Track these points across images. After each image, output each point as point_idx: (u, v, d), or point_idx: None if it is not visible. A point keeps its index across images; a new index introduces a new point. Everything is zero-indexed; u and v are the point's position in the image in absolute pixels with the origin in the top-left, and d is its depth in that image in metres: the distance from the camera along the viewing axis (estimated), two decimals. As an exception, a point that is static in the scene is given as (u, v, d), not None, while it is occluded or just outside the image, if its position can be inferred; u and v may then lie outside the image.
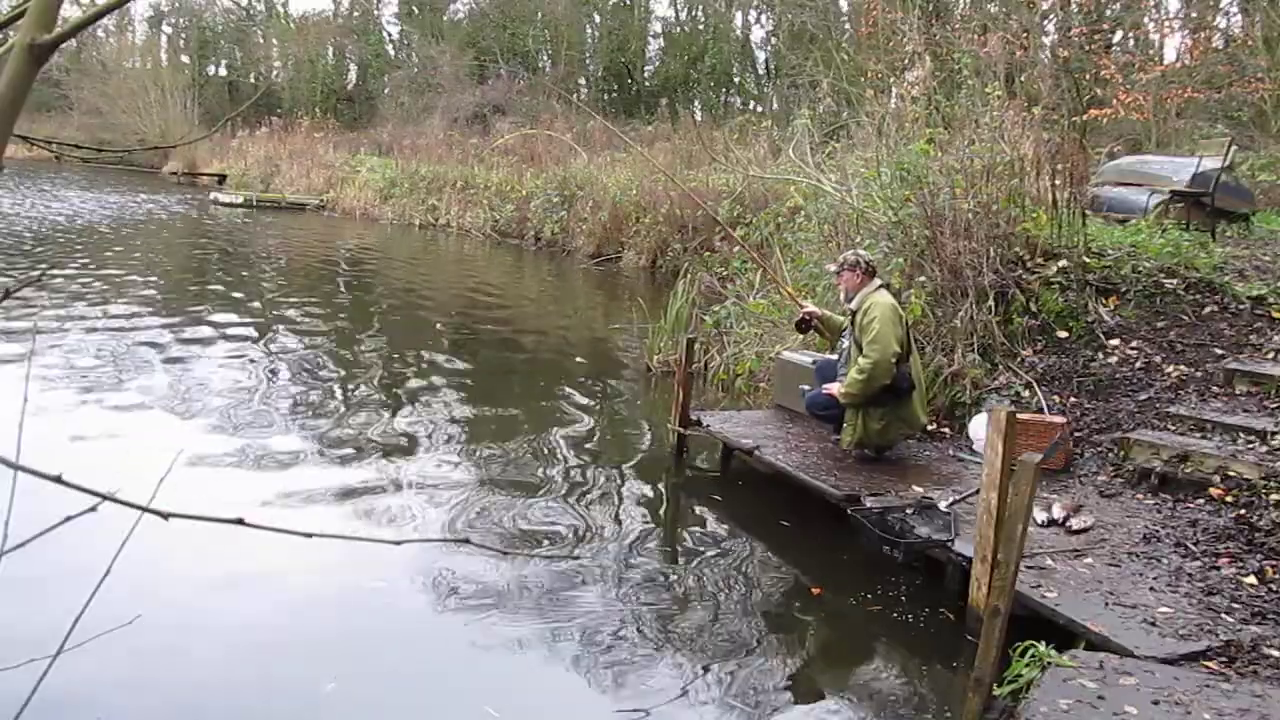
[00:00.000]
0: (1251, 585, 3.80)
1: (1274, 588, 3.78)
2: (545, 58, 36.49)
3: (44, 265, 12.52)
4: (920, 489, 4.88)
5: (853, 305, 5.39)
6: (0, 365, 7.26)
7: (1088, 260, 6.56)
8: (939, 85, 9.40)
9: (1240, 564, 3.99)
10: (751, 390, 7.45)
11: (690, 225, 14.08)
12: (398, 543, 1.06)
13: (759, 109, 27.69)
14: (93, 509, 0.88)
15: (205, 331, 9.25)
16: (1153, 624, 3.46)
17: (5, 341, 7.95)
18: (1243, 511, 4.40)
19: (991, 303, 6.27)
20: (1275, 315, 6.01)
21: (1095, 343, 6.14)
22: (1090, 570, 3.94)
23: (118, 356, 7.89)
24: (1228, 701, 2.92)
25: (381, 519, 4.89)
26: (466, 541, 4.76)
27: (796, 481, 5.17)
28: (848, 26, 21.86)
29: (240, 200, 24.89)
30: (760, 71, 33.17)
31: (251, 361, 8.15)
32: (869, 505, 4.66)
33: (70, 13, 1.01)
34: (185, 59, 43.33)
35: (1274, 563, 3.96)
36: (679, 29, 35.97)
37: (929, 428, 5.95)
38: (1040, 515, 4.44)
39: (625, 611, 4.00)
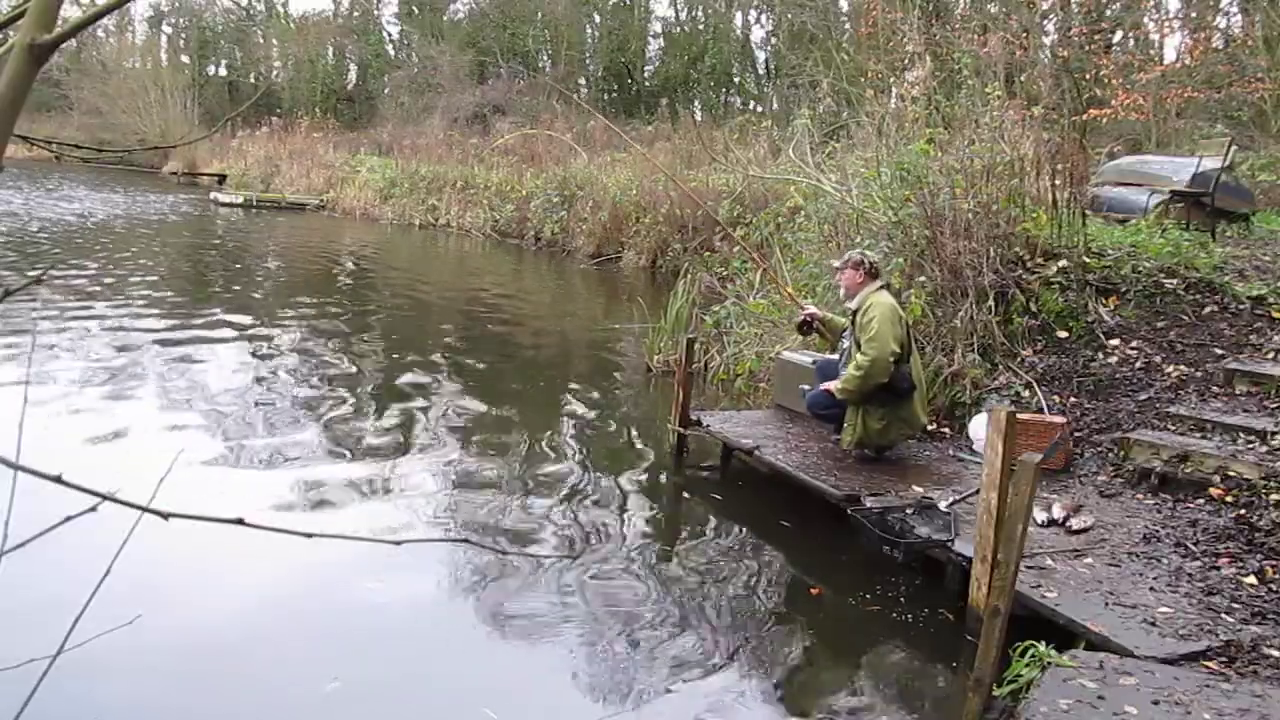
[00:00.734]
0: (1251, 585, 3.80)
1: (1274, 588, 3.78)
2: (545, 58, 36.49)
3: (44, 265, 12.52)
4: (920, 489, 4.88)
5: (853, 305, 5.41)
6: (0, 365, 7.26)
7: (1088, 260, 6.56)
8: (939, 85, 9.40)
9: (1240, 564, 3.99)
10: (751, 390, 7.44)
11: (690, 225, 14.09)
12: (398, 543, 1.06)
13: (759, 109, 27.70)
14: (93, 509, 0.88)
15: (205, 331, 9.25)
16: (1153, 624, 3.46)
17: (5, 341, 7.95)
18: (1243, 511, 4.40)
19: (991, 303, 6.27)
20: (1275, 315, 6.01)
21: (1095, 343, 6.14)
22: (1090, 570, 3.94)
23: (118, 356, 7.89)
24: (1228, 701, 2.92)
25: (381, 519, 4.89)
26: (466, 541, 4.77)
27: (796, 481, 5.17)
28: (848, 26, 21.87)
29: (240, 200, 24.90)
30: (760, 71, 33.18)
31: (251, 361, 8.15)
32: (869, 505, 4.66)
33: (70, 13, 1.01)
34: (185, 59, 43.35)
35: (1274, 563, 3.96)
36: (679, 29, 35.98)
37: (929, 428, 5.95)
38: (1040, 515, 4.44)
39: (624, 612, 4.00)
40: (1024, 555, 3.27)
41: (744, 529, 5.07)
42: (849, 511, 4.71)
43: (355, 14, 42.54)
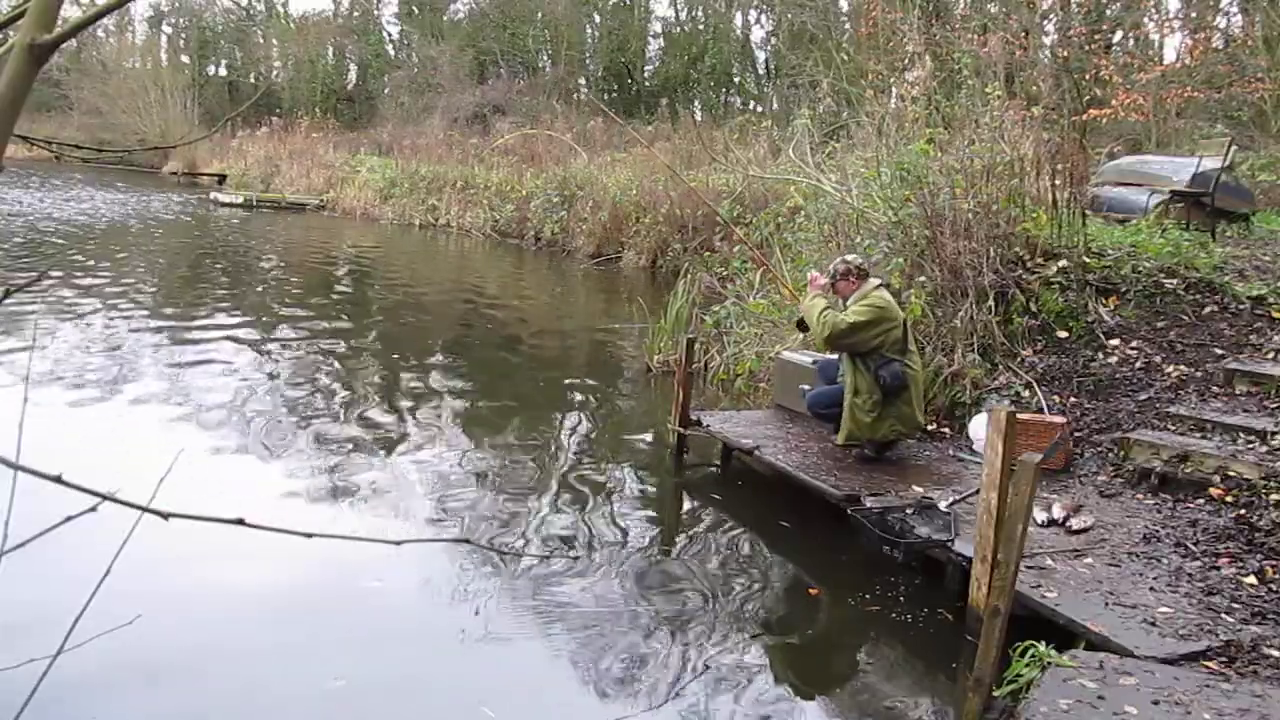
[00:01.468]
0: (1251, 585, 3.80)
1: (1274, 588, 3.78)
2: (545, 58, 36.48)
3: (44, 265, 12.52)
4: (920, 489, 4.88)
5: (849, 303, 5.43)
6: (0, 365, 7.26)
7: (1088, 260, 6.56)
8: (939, 85, 9.40)
9: (1240, 564, 3.99)
10: (751, 390, 7.44)
11: (690, 225, 14.09)
12: (398, 543, 1.06)
13: (759, 109, 27.70)
14: (93, 509, 0.88)
15: (205, 331, 9.25)
16: (1153, 624, 3.46)
17: (5, 341, 7.95)
18: (1243, 511, 4.40)
19: (991, 303, 6.27)
20: (1275, 315, 6.01)
21: (1095, 343, 6.14)
22: (1090, 570, 3.94)
23: (118, 356, 7.89)
24: (1228, 701, 2.92)
25: (381, 519, 4.89)
26: (466, 541, 4.77)
27: (796, 481, 5.17)
28: (848, 26, 21.87)
29: (240, 200, 24.89)
30: (760, 71, 33.18)
31: (252, 361, 8.15)
32: (869, 505, 4.66)
33: (70, 13, 1.01)
34: (185, 59, 43.31)
35: (1274, 563, 3.96)
36: (679, 29, 35.97)
37: (929, 427, 5.95)
38: (1040, 515, 4.44)
39: (624, 612, 4.00)
40: (1024, 555, 3.27)
41: (744, 529, 5.07)
42: (849, 511, 4.71)
43: (355, 14, 42.52)
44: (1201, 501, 4.63)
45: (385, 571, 4.18)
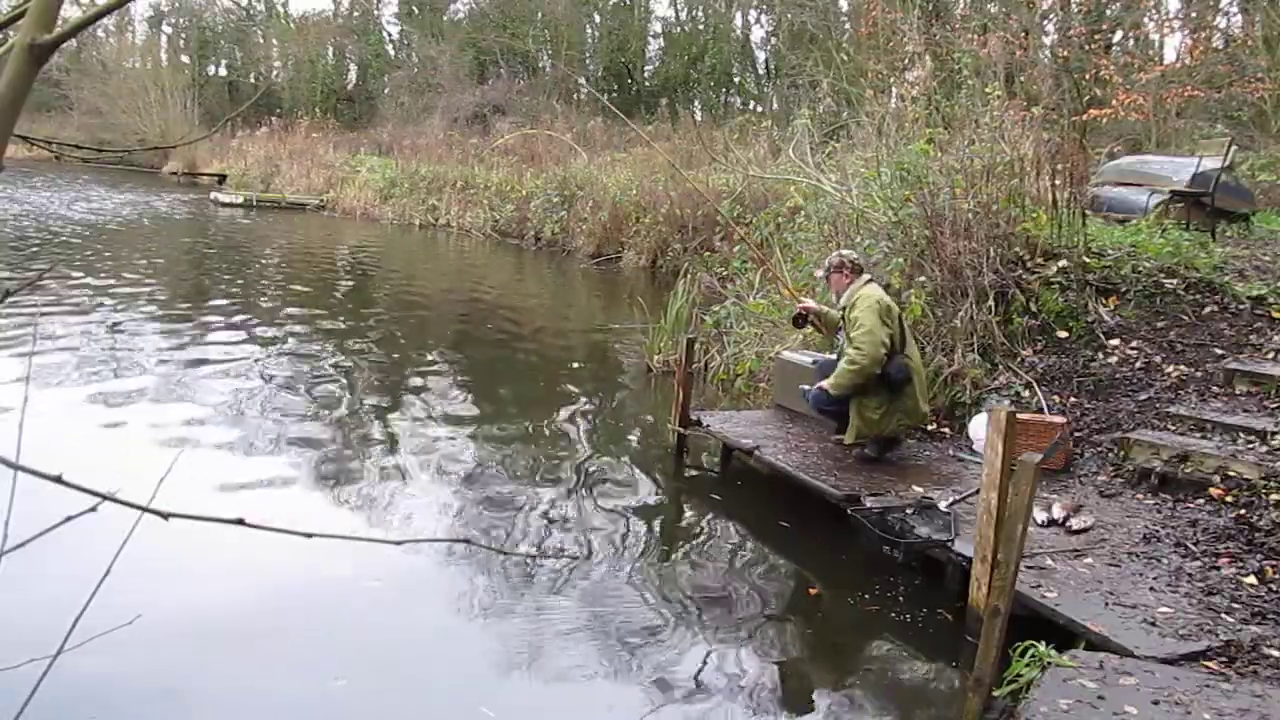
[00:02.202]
0: (1251, 585, 3.80)
1: (1274, 588, 3.78)
2: (545, 58, 36.48)
3: (44, 265, 12.51)
4: (920, 489, 4.88)
5: (841, 302, 5.45)
6: (0, 365, 7.26)
7: (1088, 260, 6.56)
8: (939, 85, 9.39)
9: (1240, 564, 3.99)
10: (751, 390, 7.44)
11: (690, 225, 14.09)
12: (398, 543, 1.06)
13: (759, 109, 27.69)
14: (93, 509, 0.88)
15: (206, 331, 9.25)
16: (1153, 624, 3.46)
17: (5, 341, 7.95)
18: (1243, 511, 4.40)
19: (991, 303, 6.27)
20: (1275, 315, 6.00)
21: (1095, 343, 6.14)
22: (1090, 570, 3.94)
23: (118, 356, 7.89)
24: (1228, 701, 2.92)
25: (381, 519, 4.89)
26: (466, 541, 4.77)
27: (796, 481, 5.17)
28: (848, 26, 21.87)
29: (240, 200, 24.89)
30: (760, 71, 33.16)
31: (252, 361, 8.15)
32: (869, 505, 4.66)
33: (70, 13, 1.01)
34: (185, 59, 43.32)
35: (1274, 563, 3.96)
36: (679, 29, 35.96)
37: (929, 427, 5.95)
38: (1040, 515, 4.44)
39: (623, 612, 4.00)
40: (1024, 555, 3.27)
41: (744, 529, 5.07)
42: (849, 511, 4.71)
43: (355, 14, 42.52)
44: (1201, 501, 4.63)
45: (385, 571, 4.18)
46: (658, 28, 36.73)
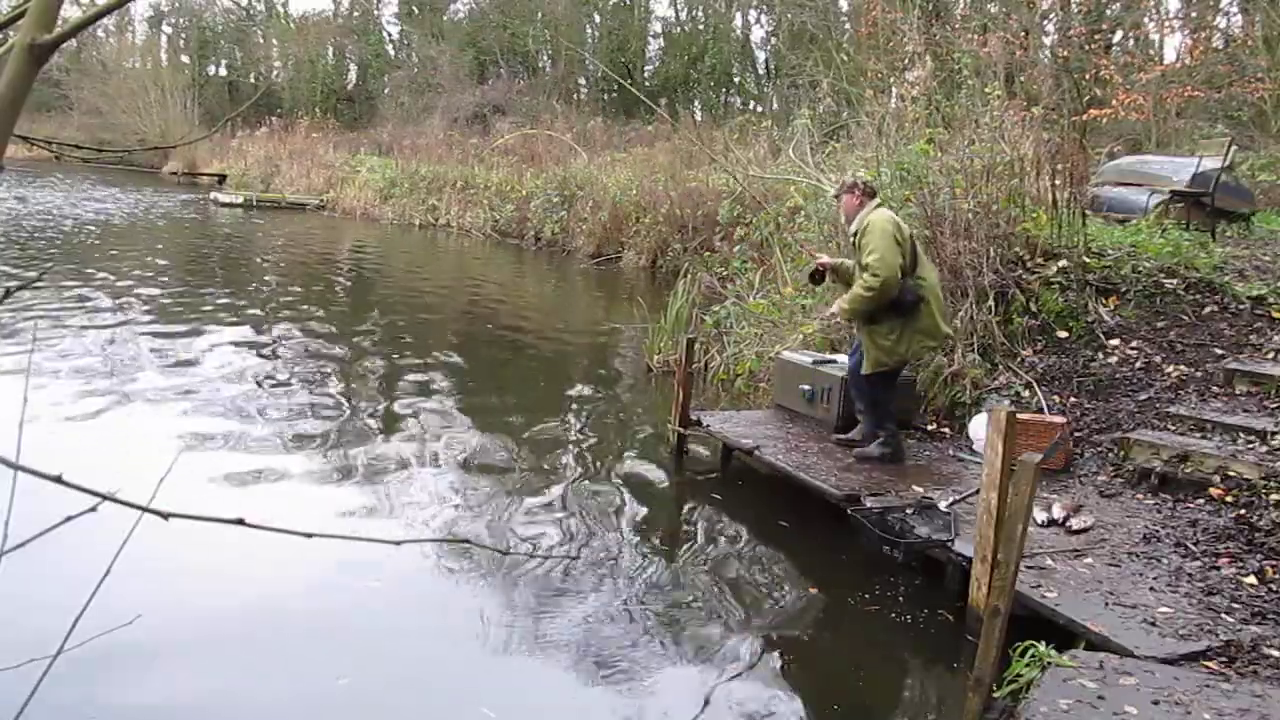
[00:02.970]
0: (1251, 585, 3.80)
1: (1274, 588, 3.78)
2: (545, 58, 36.47)
3: (44, 265, 12.51)
4: (920, 489, 4.88)
5: (852, 228, 5.34)
6: (0, 365, 7.26)
7: (1088, 260, 6.56)
8: (939, 85, 9.39)
9: (1240, 564, 3.99)
10: (751, 390, 7.45)
11: (690, 225, 14.09)
12: (398, 543, 1.06)
13: (759, 109, 27.67)
14: (93, 509, 0.88)
15: (206, 331, 9.25)
16: (1153, 624, 3.46)
17: (5, 341, 7.95)
18: (1243, 511, 4.40)
19: (991, 303, 6.27)
20: (1275, 315, 6.01)
21: (1095, 343, 6.14)
22: (1090, 570, 3.94)
23: (118, 356, 7.89)
24: (1228, 701, 2.92)
25: (381, 519, 4.89)
26: (466, 542, 4.77)
27: (796, 481, 5.17)
28: (848, 26, 21.86)
29: (240, 200, 24.89)
30: (760, 71, 33.15)
31: (251, 362, 8.15)
32: (869, 505, 4.66)
33: (70, 13, 1.00)
34: (185, 59, 43.32)
35: (1274, 563, 3.96)
36: (679, 29, 35.95)
37: (929, 427, 5.95)
38: (1040, 515, 4.44)
39: (623, 612, 4.00)
40: (1024, 555, 3.27)
41: (744, 529, 5.07)
42: (849, 511, 4.71)
43: (355, 14, 42.52)
44: (1201, 501, 4.63)
45: (385, 571, 4.18)
46: (658, 28, 36.75)
